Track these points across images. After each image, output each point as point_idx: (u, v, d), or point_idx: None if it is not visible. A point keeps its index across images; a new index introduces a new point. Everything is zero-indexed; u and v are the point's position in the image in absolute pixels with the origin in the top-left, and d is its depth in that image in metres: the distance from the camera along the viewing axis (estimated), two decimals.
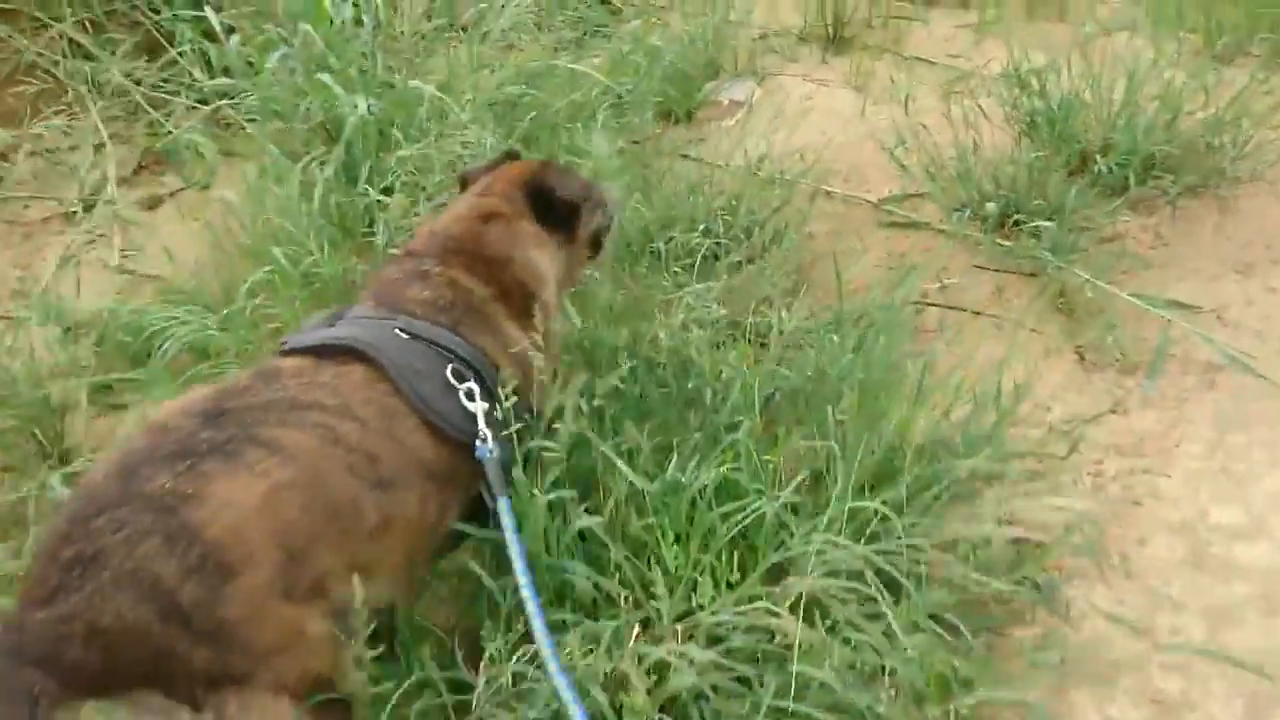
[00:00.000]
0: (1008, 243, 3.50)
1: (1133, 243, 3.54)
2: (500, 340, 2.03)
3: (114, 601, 1.36)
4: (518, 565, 1.71)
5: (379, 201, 3.15)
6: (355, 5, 3.70)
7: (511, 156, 2.49)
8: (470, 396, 1.85)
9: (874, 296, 3.00)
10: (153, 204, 4.35)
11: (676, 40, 4.80)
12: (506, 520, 1.76)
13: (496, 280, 2.10)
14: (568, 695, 1.53)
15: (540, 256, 2.23)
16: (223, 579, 1.41)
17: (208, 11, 3.68)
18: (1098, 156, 3.66)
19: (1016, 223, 3.50)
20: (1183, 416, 2.86)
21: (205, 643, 1.40)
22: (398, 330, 1.87)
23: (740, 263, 3.44)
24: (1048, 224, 3.33)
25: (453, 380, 1.85)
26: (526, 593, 1.67)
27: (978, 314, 3.30)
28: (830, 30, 5.13)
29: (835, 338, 2.78)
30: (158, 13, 4.62)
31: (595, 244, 2.49)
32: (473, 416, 1.84)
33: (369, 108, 3.13)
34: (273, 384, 1.68)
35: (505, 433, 1.88)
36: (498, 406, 1.87)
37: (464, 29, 4.32)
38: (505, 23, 4.09)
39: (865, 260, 3.58)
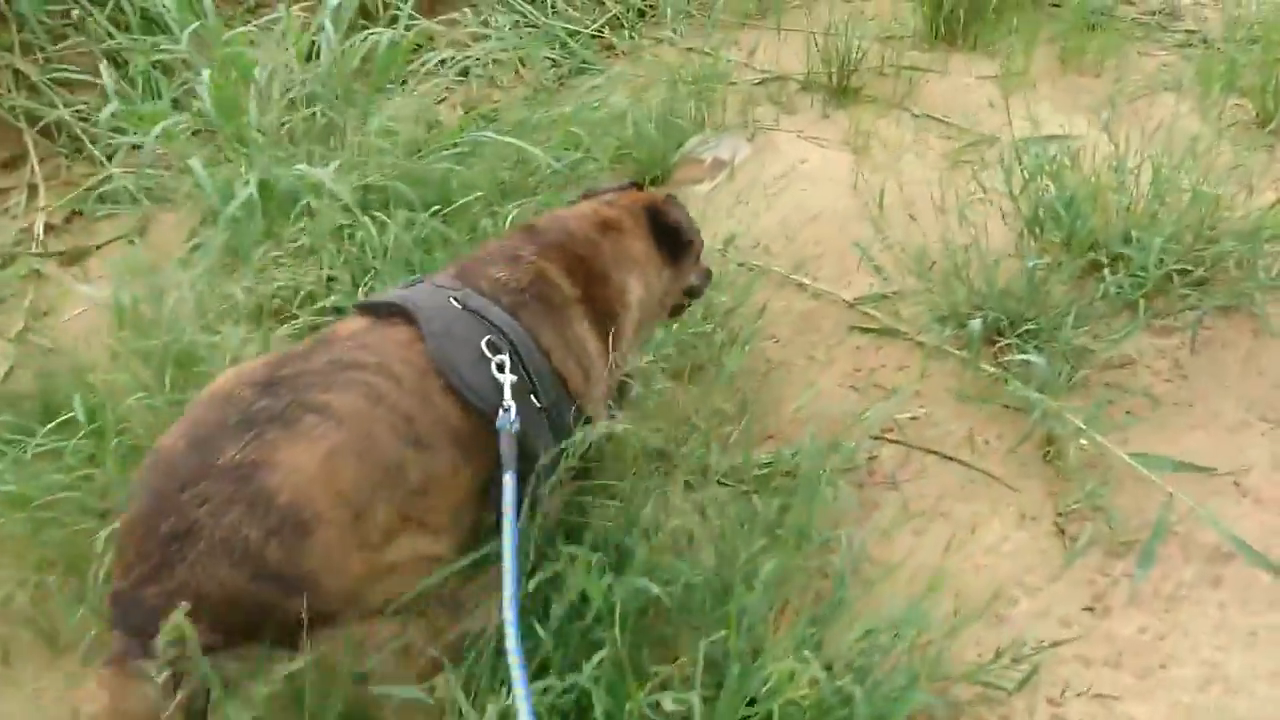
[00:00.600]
0: (993, 368, 2.99)
1: (1144, 372, 3.00)
2: (564, 335, 2.04)
3: (213, 570, 1.50)
4: (507, 555, 1.65)
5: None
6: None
7: (636, 187, 2.61)
8: (501, 368, 1.85)
9: (822, 436, 2.53)
10: (76, 258, 4.03)
11: (661, 85, 4.34)
12: (508, 496, 1.73)
13: (586, 287, 2.14)
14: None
15: (639, 282, 2.28)
16: (300, 536, 1.54)
17: (102, 70, 3.31)
18: (1111, 264, 3.13)
19: (1008, 343, 2.99)
20: (1175, 623, 2.35)
21: (295, 593, 1.54)
22: (453, 299, 1.92)
23: (686, 370, 2.99)
24: (1038, 357, 2.81)
25: (485, 350, 1.86)
26: (508, 591, 1.63)
27: (947, 458, 2.81)
28: (835, 78, 4.60)
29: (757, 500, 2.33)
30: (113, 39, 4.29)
31: (686, 294, 2.62)
32: (501, 390, 1.84)
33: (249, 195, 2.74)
34: (326, 347, 1.78)
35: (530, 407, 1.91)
36: (536, 390, 1.93)
37: (403, 83, 3.90)
38: (452, 72, 3.66)
39: (827, 376, 3.11)
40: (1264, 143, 3.81)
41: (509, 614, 1.59)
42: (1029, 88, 4.54)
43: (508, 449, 1.79)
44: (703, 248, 2.62)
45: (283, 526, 1.53)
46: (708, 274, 2.74)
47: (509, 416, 1.82)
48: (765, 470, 2.64)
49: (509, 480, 1.75)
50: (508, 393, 1.84)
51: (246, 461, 1.55)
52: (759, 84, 4.77)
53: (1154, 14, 5.09)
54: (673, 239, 2.41)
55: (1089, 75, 4.65)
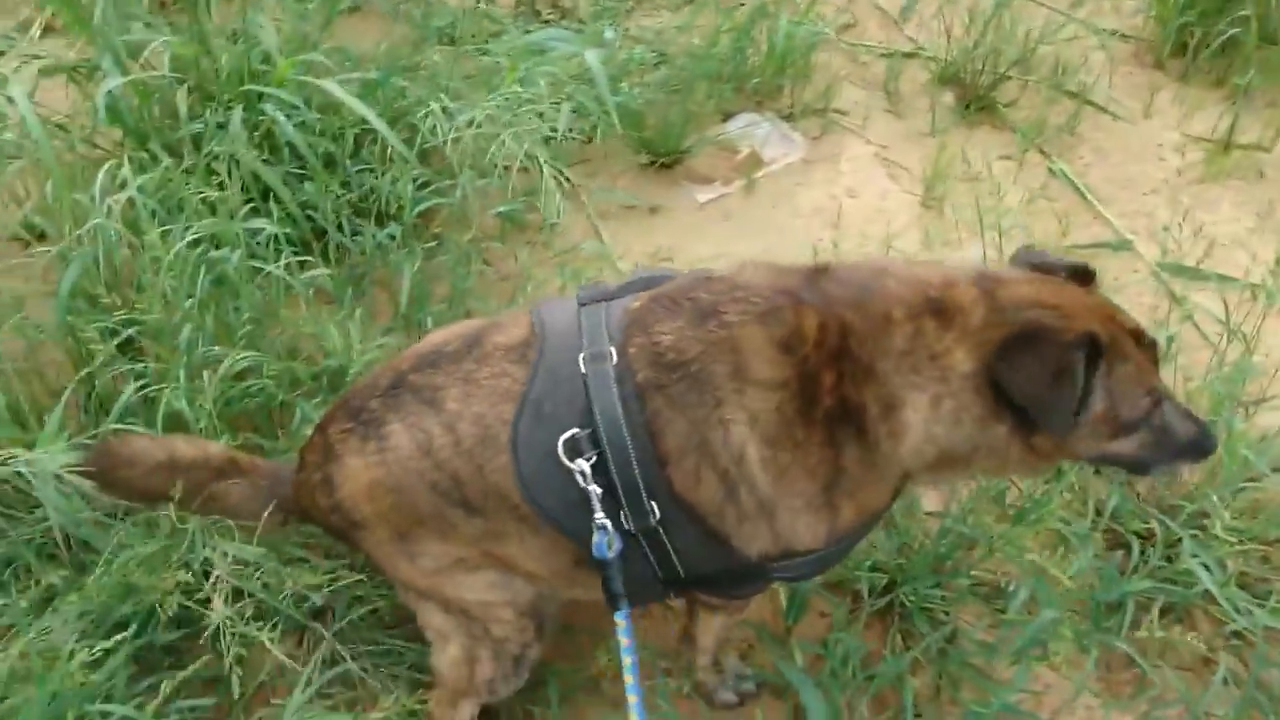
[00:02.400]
0: None
1: None
2: (704, 434, 1.46)
3: (300, 501, 1.72)
4: (631, 700, 1.50)
5: None
6: None
7: (1082, 276, 1.58)
8: (585, 477, 1.47)
9: None
10: None
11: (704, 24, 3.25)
12: (624, 639, 1.51)
13: (816, 375, 1.44)
14: None
15: (932, 408, 1.45)
16: (354, 526, 1.66)
17: None
18: None
19: None
20: None
21: (359, 550, 1.76)
22: (582, 357, 1.51)
23: None
24: None
25: (561, 451, 1.48)
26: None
27: None
28: (973, 79, 3.29)
29: None
30: None
31: (1118, 463, 1.62)
32: (570, 497, 1.50)
33: None
34: (459, 360, 1.60)
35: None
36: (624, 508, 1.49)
37: None
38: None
39: None
40: None
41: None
42: (1254, 177, 3.06)
43: (616, 580, 1.51)
44: (1164, 420, 1.54)
45: (339, 511, 1.65)
46: (1190, 445, 1.57)
47: (604, 537, 1.48)
48: None
49: (621, 621, 1.51)
50: (598, 507, 1.47)
51: (336, 447, 1.64)
52: (885, 56, 3.52)
53: None
54: (1031, 388, 1.42)
55: None
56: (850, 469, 1.48)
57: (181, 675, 1.69)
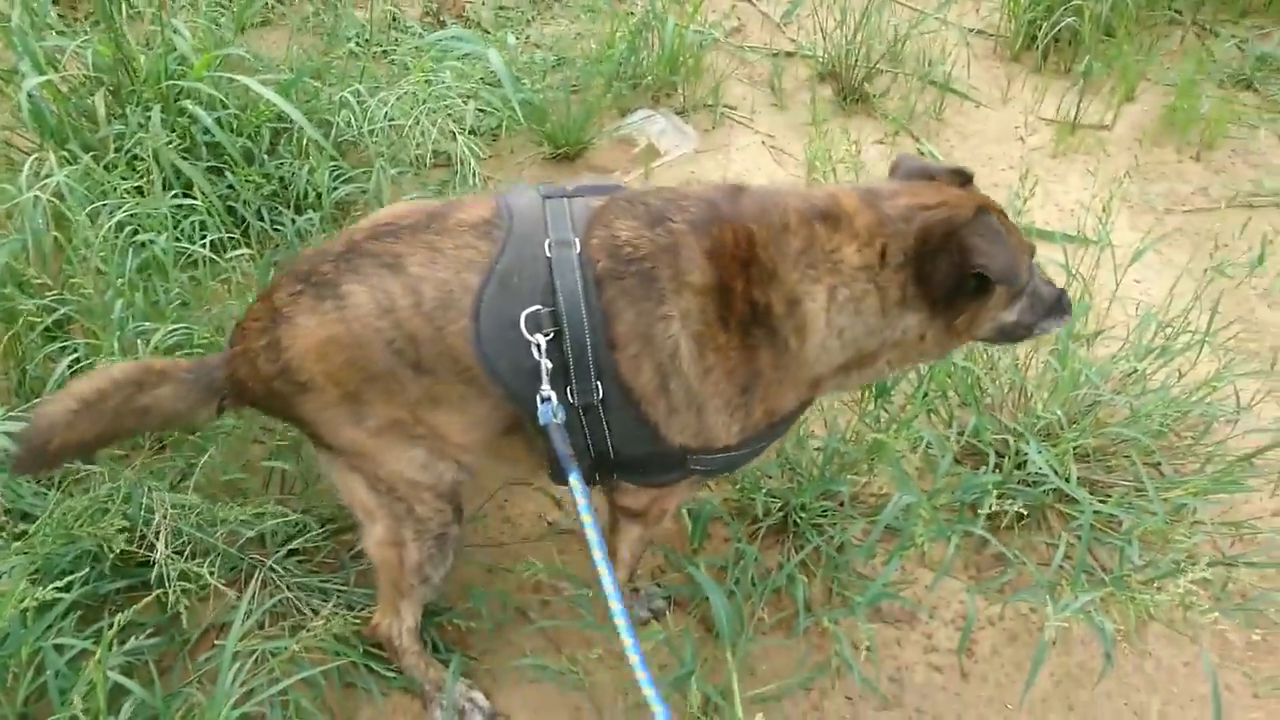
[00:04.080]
0: None
1: None
2: (649, 330, 1.61)
3: (241, 371, 1.74)
4: (596, 554, 1.50)
5: None
6: None
7: (962, 178, 1.80)
8: (539, 350, 1.60)
9: None
10: None
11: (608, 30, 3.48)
12: (580, 499, 1.55)
13: (729, 284, 1.61)
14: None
15: (832, 303, 1.64)
16: (296, 389, 1.70)
17: None
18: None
19: None
20: None
21: (297, 421, 1.78)
22: (548, 243, 1.64)
23: None
24: None
25: (523, 326, 1.60)
26: (602, 567, 1.49)
27: None
28: (848, 74, 3.59)
29: None
30: None
31: (1002, 332, 1.83)
32: (523, 366, 1.61)
33: None
34: (419, 231, 1.68)
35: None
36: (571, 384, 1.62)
37: None
38: None
39: None
40: None
41: (621, 623, 1.47)
42: (1098, 152, 3.41)
43: (561, 444, 1.59)
44: (1034, 281, 1.80)
45: (286, 374, 1.68)
46: (1055, 305, 1.84)
47: (550, 407, 1.60)
48: None
49: (575, 482, 1.57)
50: (546, 382, 1.60)
51: (284, 310, 1.68)
52: (769, 56, 3.81)
53: None
54: (951, 277, 1.64)
55: (1189, 156, 3.44)
56: (764, 372, 1.65)
57: (130, 612, 1.79)
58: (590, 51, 3.61)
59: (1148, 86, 3.68)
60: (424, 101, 2.90)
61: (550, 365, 1.59)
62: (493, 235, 1.66)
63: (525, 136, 3.38)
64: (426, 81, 3.01)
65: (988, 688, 2.04)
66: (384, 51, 3.51)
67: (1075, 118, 3.48)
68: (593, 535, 1.51)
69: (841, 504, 2.23)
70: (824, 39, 3.68)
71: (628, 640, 1.45)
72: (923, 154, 3.39)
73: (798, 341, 1.64)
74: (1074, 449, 2.19)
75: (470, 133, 3.24)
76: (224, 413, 1.83)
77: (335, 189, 2.80)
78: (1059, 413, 2.26)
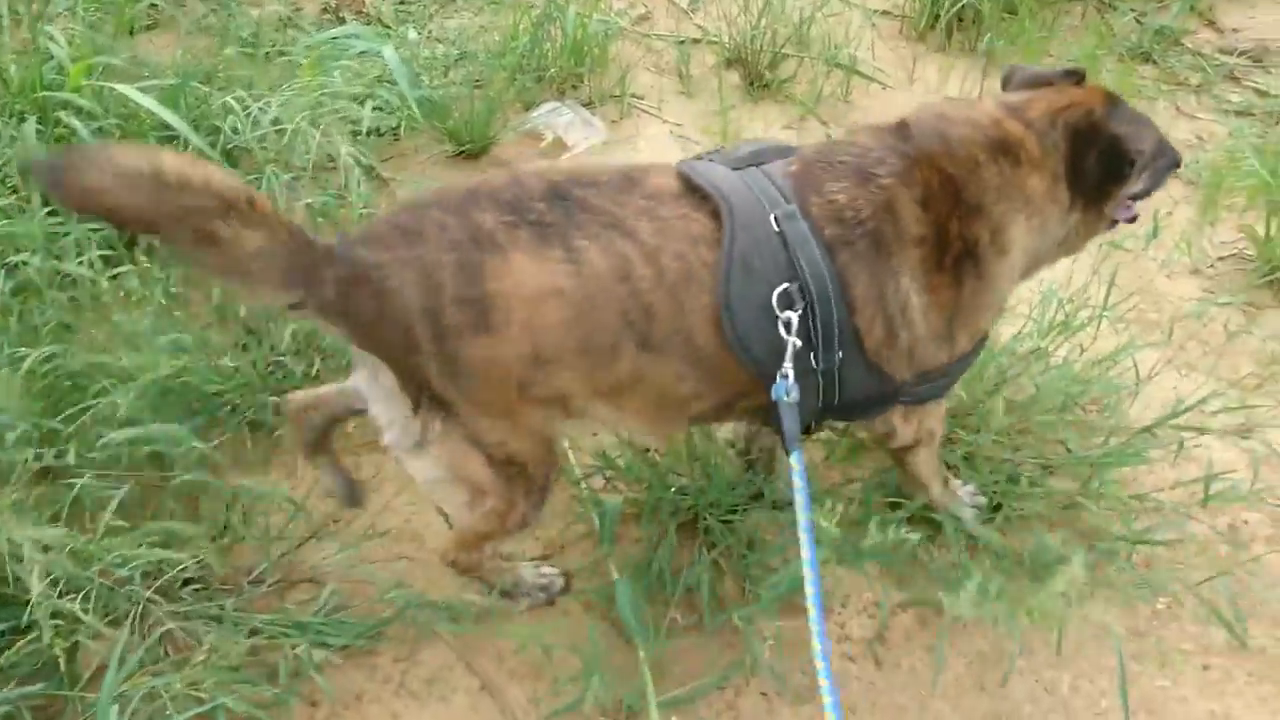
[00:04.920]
0: None
1: None
2: (883, 288, 1.66)
3: (402, 277, 1.51)
4: (804, 538, 1.52)
5: None
6: None
7: (1076, 77, 1.88)
8: (789, 327, 1.60)
9: None
10: None
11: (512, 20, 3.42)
12: (798, 480, 1.56)
13: (944, 223, 1.68)
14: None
15: (1027, 226, 1.76)
16: (479, 327, 1.51)
17: None
18: None
19: None
20: None
21: (442, 365, 1.55)
22: (774, 216, 1.62)
23: None
24: None
25: (775, 304, 1.60)
26: (808, 570, 1.51)
27: None
28: (756, 60, 3.56)
29: None
30: None
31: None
32: (777, 345, 1.60)
33: None
34: (625, 192, 1.62)
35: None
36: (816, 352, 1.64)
37: None
38: None
39: None
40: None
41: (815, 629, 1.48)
42: None
43: (790, 423, 1.59)
44: (1161, 148, 1.89)
45: (472, 304, 1.51)
46: (1166, 161, 1.93)
47: (786, 384, 1.59)
48: None
49: (796, 463, 1.56)
50: (789, 360, 1.59)
51: (491, 235, 1.53)
52: (677, 43, 3.77)
53: (1237, 54, 3.77)
54: (1100, 168, 1.77)
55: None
56: (966, 302, 1.73)
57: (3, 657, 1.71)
58: (494, 45, 3.54)
59: (1052, 62, 3.71)
60: (316, 106, 2.81)
61: (799, 343, 1.60)
62: (704, 207, 1.63)
63: (428, 135, 3.30)
64: (317, 82, 2.93)
65: (901, 674, 2.04)
66: (280, 52, 3.39)
67: (981, 94, 3.49)
68: (804, 516, 1.53)
69: (753, 498, 2.22)
70: (724, 24, 3.65)
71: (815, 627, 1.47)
72: (830, 137, 3.38)
73: (997, 264, 1.74)
74: (980, 428, 2.20)
75: (369, 133, 3.18)
76: (297, 310, 1.56)
77: None
78: (963, 394, 2.27)
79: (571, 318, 1.54)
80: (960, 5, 3.71)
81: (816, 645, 1.46)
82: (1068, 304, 2.48)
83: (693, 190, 1.64)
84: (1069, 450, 2.34)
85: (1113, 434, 2.35)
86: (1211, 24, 3.88)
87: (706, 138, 3.36)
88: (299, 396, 2.04)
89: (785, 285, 1.60)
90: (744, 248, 1.60)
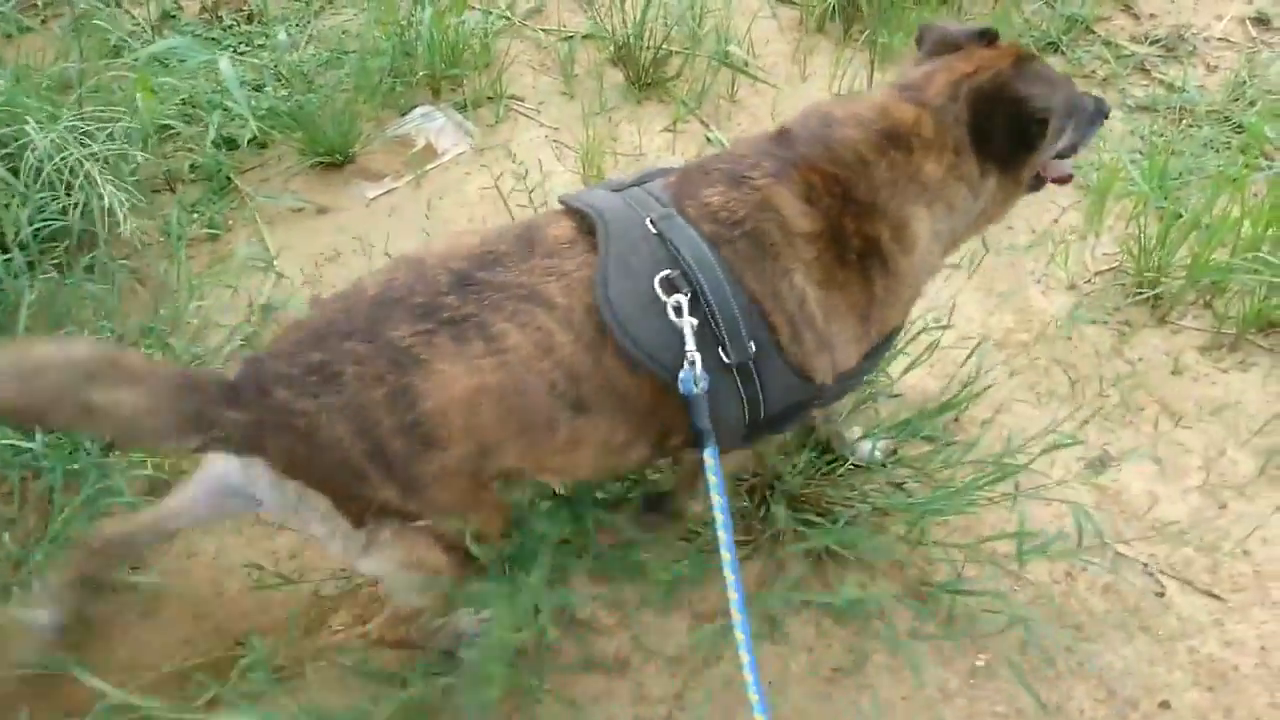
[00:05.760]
0: None
1: None
2: (774, 284, 1.61)
3: (335, 427, 1.47)
4: (723, 537, 1.51)
5: None
6: None
7: (987, 38, 1.83)
8: (679, 310, 1.55)
9: None
10: None
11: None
12: (712, 478, 1.54)
13: (839, 224, 1.64)
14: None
15: (930, 214, 1.71)
16: (426, 446, 1.50)
17: None
18: None
19: None
20: None
21: (395, 485, 1.52)
22: (649, 219, 1.62)
23: None
24: None
25: (659, 289, 1.56)
26: (726, 554, 1.51)
27: None
28: (642, 58, 3.40)
29: None
30: None
31: (1039, 179, 1.92)
32: (678, 341, 1.55)
33: None
34: (526, 258, 1.60)
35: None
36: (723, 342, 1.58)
37: None
38: None
39: None
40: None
41: (736, 615, 1.49)
42: None
43: (703, 413, 1.55)
44: (1076, 102, 1.85)
45: (413, 430, 1.49)
46: (1095, 114, 1.90)
47: (694, 372, 1.54)
48: None
49: (709, 458, 1.55)
50: (690, 340, 1.54)
51: (410, 352, 1.49)
52: (565, 39, 3.61)
53: (1150, 42, 3.57)
54: (1008, 133, 1.71)
55: None
56: (878, 296, 1.69)
57: None
58: (370, 45, 3.39)
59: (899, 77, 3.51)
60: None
61: (695, 322, 1.54)
62: (595, 243, 1.61)
63: (292, 145, 3.17)
64: (155, 97, 2.80)
65: None
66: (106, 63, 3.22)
67: (870, 88, 3.33)
68: (721, 516, 1.51)
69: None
70: (618, 18, 3.48)
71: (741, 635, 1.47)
72: (710, 141, 3.23)
73: (906, 259, 1.69)
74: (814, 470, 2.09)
75: (220, 145, 3.06)
76: (203, 451, 1.55)
77: (42, 226, 2.59)
78: (788, 435, 2.15)
79: (506, 408, 1.53)
80: None
81: (745, 657, 1.47)
82: (933, 325, 2.35)
83: (583, 232, 1.63)
84: (904, 492, 2.23)
85: (948, 466, 2.23)
86: (1128, 8, 3.67)
87: (582, 143, 3.21)
88: (110, 528, 1.87)
89: (665, 271, 1.56)
90: (620, 250, 1.58)
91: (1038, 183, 1.92)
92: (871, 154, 1.67)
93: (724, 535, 1.51)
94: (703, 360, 1.54)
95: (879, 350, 1.81)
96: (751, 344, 1.59)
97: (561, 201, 1.71)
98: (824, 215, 1.63)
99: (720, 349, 1.57)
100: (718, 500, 1.53)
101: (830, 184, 1.64)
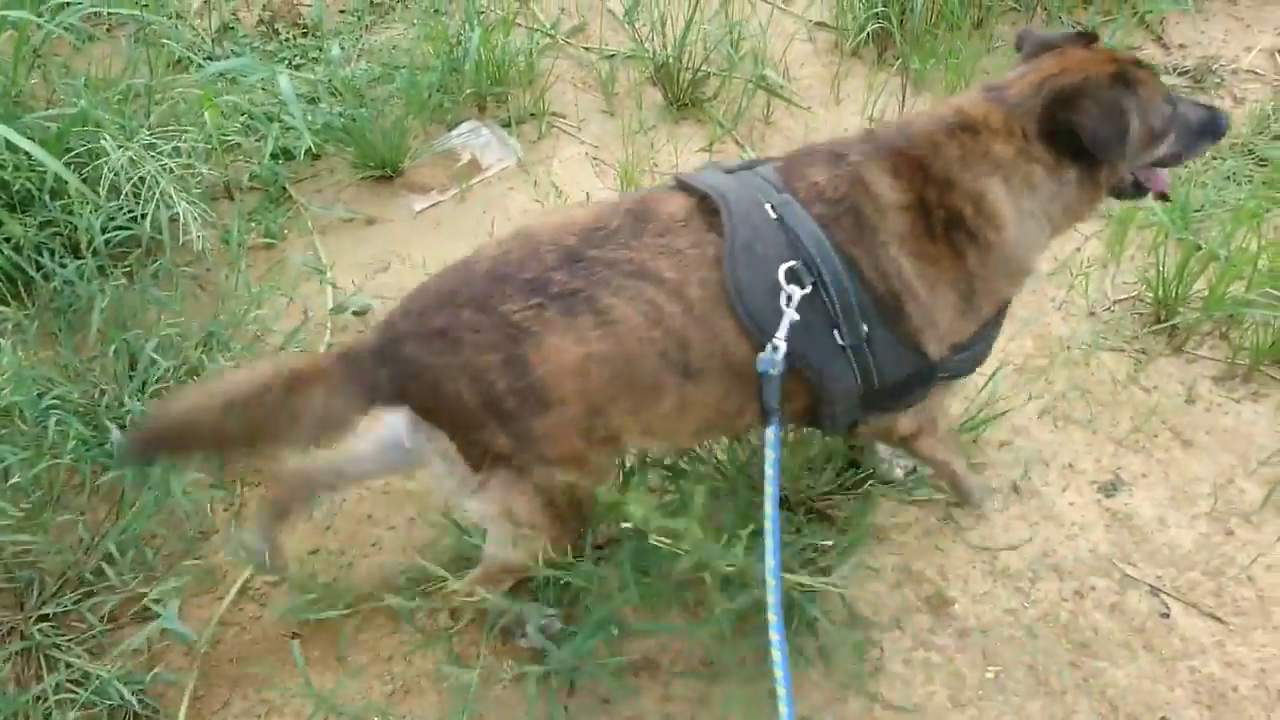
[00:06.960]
0: None
1: None
2: (875, 256, 1.75)
3: (457, 382, 1.65)
4: (769, 509, 1.60)
5: None
6: None
7: (1086, 39, 1.93)
8: (789, 300, 1.68)
9: None
10: None
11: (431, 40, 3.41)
12: (769, 451, 1.66)
13: (922, 195, 1.78)
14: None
15: (1006, 187, 1.80)
16: (538, 407, 1.66)
17: None
18: None
19: None
20: None
21: (510, 435, 1.69)
22: (769, 205, 1.75)
23: None
24: None
25: (782, 280, 1.70)
26: (770, 542, 1.59)
27: None
28: (679, 79, 3.52)
29: None
30: None
31: (1138, 186, 2.00)
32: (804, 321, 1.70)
33: None
34: (637, 234, 1.72)
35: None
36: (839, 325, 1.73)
37: None
38: None
39: None
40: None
41: (770, 583, 1.58)
42: None
43: (769, 395, 1.68)
44: (1175, 113, 1.91)
45: (526, 392, 1.65)
46: (1205, 128, 1.96)
47: (773, 357, 1.67)
48: None
49: (770, 434, 1.67)
50: (782, 330, 1.68)
51: (522, 325, 1.64)
52: (608, 57, 3.73)
53: (1179, 73, 3.65)
54: (1091, 135, 1.78)
55: None
56: (976, 272, 1.80)
57: None
58: (420, 60, 3.53)
59: (984, 78, 3.60)
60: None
61: (797, 317, 1.67)
62: (713, 224, 1.73)
63: (343, 157, 3.32)
64: (219, 112, 2.96)
65: None
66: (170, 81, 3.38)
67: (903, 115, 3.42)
68: (771, 489, 1.60)
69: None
70: (658, 38, 3.59)
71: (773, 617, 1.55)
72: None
73: (996, 234, 1.78)
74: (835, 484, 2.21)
75: (282, 156, 3.22)
76: (377, 409, 1.77)
77: (114, 232, 2.76)
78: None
79: (614, 373, 1.67)
80: (899, 18, 3.62)
81: (774, 636, 1.55)
82: None
83: (699, 210, 1.75)
84: (920, 508, 2.33)
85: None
86: (1159, 39, 3.75)
87: (622, 161, 3.34)
88: (293, 466, 2.10)
89: (791, 263, 1.70)
90: (745, 236, 1.70)
91: (1138, 190, 2.00)
92: (942, 138, 1.80)
93: (769, 508, 1.60)
94: (812, 343, 1.70)
95: (992, 325, 1.92)
96: (865, 326, 1.73)
97: (679, 180, 1.83)
98: (909, 188, 1.77)
99: (836, 332, 1.73)
100: (770, 473, 1.64)
101: (911, 163, 1.78)
